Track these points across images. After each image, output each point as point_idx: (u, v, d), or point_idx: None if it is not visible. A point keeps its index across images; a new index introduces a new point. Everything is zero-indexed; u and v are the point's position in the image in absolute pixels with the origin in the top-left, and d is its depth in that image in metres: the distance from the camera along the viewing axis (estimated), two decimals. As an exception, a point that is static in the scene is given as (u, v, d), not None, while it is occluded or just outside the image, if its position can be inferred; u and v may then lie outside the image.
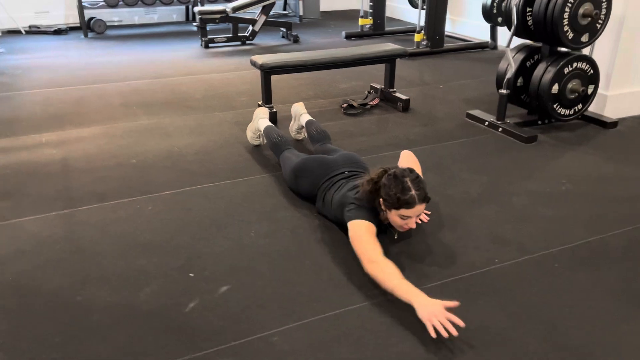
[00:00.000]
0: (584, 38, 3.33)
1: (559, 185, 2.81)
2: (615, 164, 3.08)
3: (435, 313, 1.71)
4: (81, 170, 2.99)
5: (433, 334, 1.69)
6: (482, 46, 6.14)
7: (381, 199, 2.07)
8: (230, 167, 3.03)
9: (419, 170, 2.43)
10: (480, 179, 2.90)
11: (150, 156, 3.18)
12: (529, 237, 2.33)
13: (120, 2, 6.94)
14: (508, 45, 3.48)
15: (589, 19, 3.26)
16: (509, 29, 3.52)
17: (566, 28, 3.24)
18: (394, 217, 2.07)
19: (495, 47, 6.16)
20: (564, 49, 3.47)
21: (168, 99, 4.28)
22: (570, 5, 3.18)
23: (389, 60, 3.99)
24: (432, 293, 1.90)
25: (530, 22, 3.47)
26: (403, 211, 2.02)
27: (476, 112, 3.82)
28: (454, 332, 1.67)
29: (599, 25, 3.33)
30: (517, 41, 4.28)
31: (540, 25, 3.33)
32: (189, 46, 6.26)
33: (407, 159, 2.51)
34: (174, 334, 1.79)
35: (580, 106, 3.55)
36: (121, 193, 2.73)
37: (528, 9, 3.44)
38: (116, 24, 7.59)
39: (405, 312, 1.85)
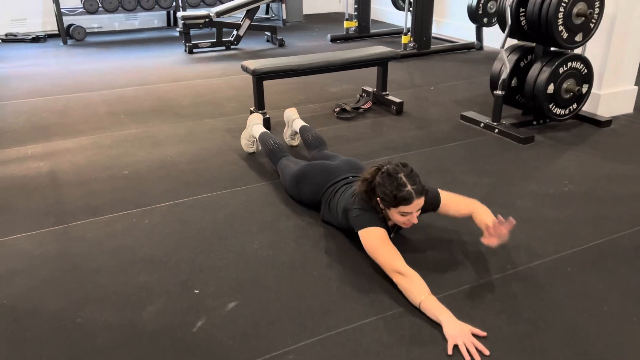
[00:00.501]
0: (578, 37, 3.33)
1: (561, 186, 2.79)
2: (613, 163, 3.07)
3: (462, 335, 1.70)
4: (71, 183, 2.87)
5: (450, 351, 1.67)
6: (468, 47, 6.15)
7: (378, 198, 2.01)
8: (226, 176, 2.95)
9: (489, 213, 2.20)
10: (481, 181, 2.86)
11: (143, 166, 3.08)
12: (538, 240, 2.30)
13: (100, 8, 6.80)
14: (503, 46, 3.46)
15: (583, 18, 3.25)
16: (503, 30, 3.50)
17: (561, 28, 3.23)
18: (394, 215, 2.01)
19: (481, 48, 6.17)
20: (557, 49, 3.46)
21: (155, 107, 4.18)
22: (564, 4, 3.17)
23: (381, 63, 3.94)
24: (448, 302, 1.85)
25: (523, 23, 3.45)
26: (402, 208, 1.96)
27: (470, 114, 3.79)
28: (477, 359, 1.64)
29: (592, 25, 3.33)
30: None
31: (535, 25, 3.31)
32: (173, 52, 6.15)
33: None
34: (183, 355, 1.70)
35: (575, 106, 3.55)
36: (115, 206, 2.62)
37: (521, 10, 3.43)
38: (96, 30, 7.44)
39: (424, 324, 1.79)
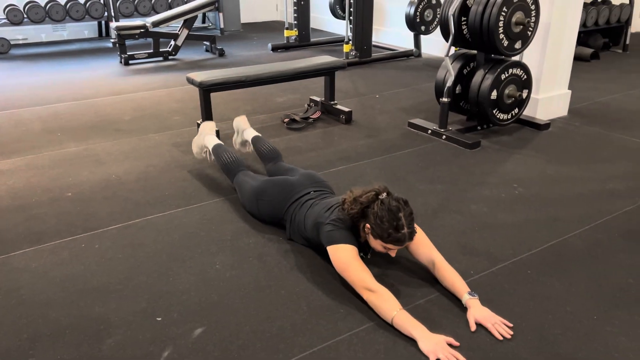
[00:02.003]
0: (517, 45, 3.46)
1: (512, 190, 2.87)
2: (556, 165, 3.20)
3: (440, 348, 1.70)
4: (9, 208, 2.67)
5: None
6: (407, 54, 6.28)
7: (368, 225, 1.98)
8: (178, 194, 2.84)
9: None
10: (435, 188, 2.90)
11: (87, 187, 2.91)
12: (496, 245, 2.35)
13: (25, 19, 6.43)
14: (447, 55, 3.54)
15: (521, 26, 3.39)
16: (446, 39, 3.58)
17: (502, 36, 3.34)
18: (376, 244, 2.00)
19: (419, 55, 6.32)
20: (497, 56, 3.58)
21: (94, 122, 3.98)
22: (504, 13, 3.28)
23: (328, 72, 3.94)
24: (417, 312, 1.86)
25: (465, 31, 3.55)
26: (390, 245, 1.96)
27: (417, 121, 3.85)
28: None
29: (529, 32, 3.47)
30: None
31: (477, 33, 3.41)
32: (108, 64, 5.90)
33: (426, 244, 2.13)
34: (150, 389, 1.60)
35: (516, 110, 3.68)
36: (60, 232, 2.46)
37: (463, 19, 3.52)
38: (21, 42, 7.03)
39: (397, 338, 1.78)
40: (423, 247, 2.08)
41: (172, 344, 1.77)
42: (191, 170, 3.12)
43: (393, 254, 2.02)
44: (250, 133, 3.08)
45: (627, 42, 6.47)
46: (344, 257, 1.97)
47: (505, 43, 3.38)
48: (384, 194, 2.00)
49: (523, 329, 1.83)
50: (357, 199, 2.00)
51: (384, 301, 1.85)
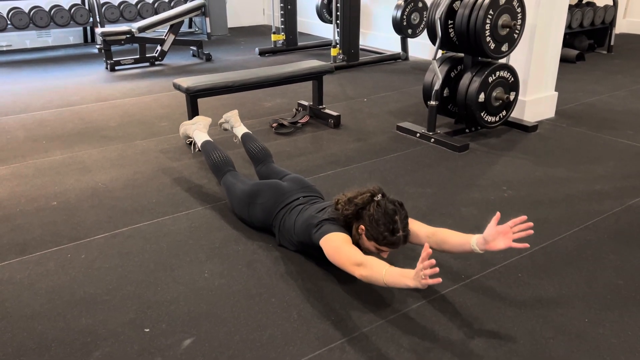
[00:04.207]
0: (504, 47, 3.47)
1: (501, 192, 2.88)
2: (544, 167, 3.21)
3: (418, 273, 1.63)
4: (-7, 219, 2.62)
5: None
6: (394, 57, 6.28)
7: (362, 226, 1.97)
8: (165, 201, 2.80)
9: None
10: (425, 191, 2.90)
11: (72, 196, 2.87)
12: (487, 248, 2.34)
13: (9, 25, 6.36)
14: (434, 58, 3.54)
15: (508, 29, 3.40)
16: (433, 42, 3.58)
17: (488, 39, 3.35)
18: (370, 246, 1.98)
19: (406, 58, 6.33)
20: (484, 59, 3.59)
21: (80, 130, 3.93)
22: (490, 17, 3.30)
23: (316, 77, 3.93)
24: (409, 319, 1.84)
25: (452, 34, 3.56)
26: (384, 247, 1.95)
27: (406, 124, 3.85)
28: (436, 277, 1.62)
29: (516, 35, 3.48)
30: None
31: (464, 36, 3.42)
32: (93, 70, 5.84)
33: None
34: (139, 403, 1.57)
35: (504, 113, 3.69)
36: (46, 242, 2.41)
37: (449, 22, 3.53)
38: (5, 49, 6.94)
39: (389, 343, 1.76)
40: (418, 224, 2.04)
41: (160, 355, 1.74)
42: (179, 177, 3.09)
43: (385, 255, 2.00)
44: (240, 130, 3.07)
45: (612, 43, 6.54)
46: (335, 243, 1.93)
47: (492, 46, 3.40)
48: (379, 196, 1.99)
49: (516, 333, 1.82)
50: (351, 200, 1.99)
51: (372, 269, 1.79)
